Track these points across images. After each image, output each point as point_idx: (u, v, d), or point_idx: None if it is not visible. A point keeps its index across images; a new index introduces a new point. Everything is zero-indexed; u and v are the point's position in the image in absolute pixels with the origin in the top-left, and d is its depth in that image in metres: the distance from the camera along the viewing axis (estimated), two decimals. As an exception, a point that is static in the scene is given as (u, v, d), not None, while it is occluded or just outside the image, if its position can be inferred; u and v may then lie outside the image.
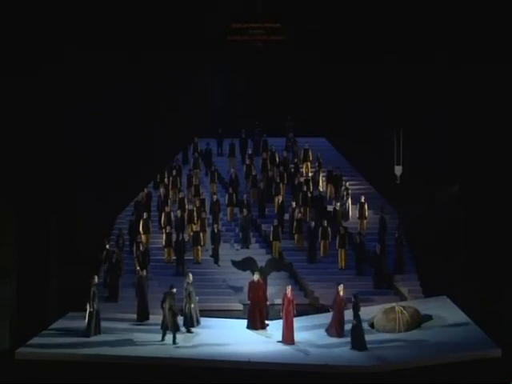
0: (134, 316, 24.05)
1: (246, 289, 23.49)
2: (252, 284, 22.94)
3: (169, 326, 21.54)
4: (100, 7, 22.30)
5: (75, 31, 22.25)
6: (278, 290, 24.66)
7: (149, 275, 25.40)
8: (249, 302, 23.00)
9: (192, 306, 22.77)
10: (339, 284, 22.53)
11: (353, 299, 21.46)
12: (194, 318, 22.92)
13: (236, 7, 23.11)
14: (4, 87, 21.30)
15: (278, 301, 23.98)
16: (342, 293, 22.18)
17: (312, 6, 23.05)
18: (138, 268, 26.58)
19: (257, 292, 22.82)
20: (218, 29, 23.26)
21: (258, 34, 23.62)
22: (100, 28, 22.42)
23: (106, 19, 22.45)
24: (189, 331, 22.58)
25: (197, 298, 23.12)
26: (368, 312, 23.19)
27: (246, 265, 24.65)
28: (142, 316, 23.77)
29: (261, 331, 22.66)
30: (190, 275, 23.31)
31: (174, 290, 21.99)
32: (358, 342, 20.82)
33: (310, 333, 22.63)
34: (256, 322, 22.70)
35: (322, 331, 22.76)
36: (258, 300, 22.80)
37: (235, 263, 25.14)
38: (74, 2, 22.16)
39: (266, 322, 23.03)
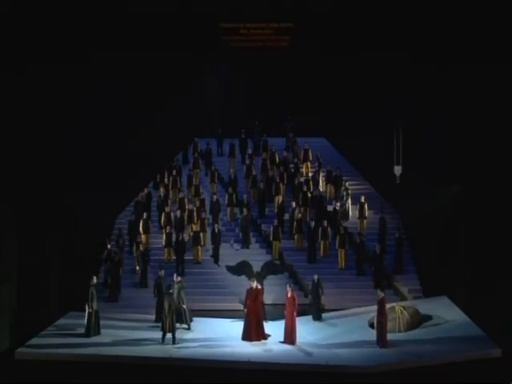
0: (134, 316, 24.09)
1: (243, 296, 22.89)
2: (250, 291, 22.35)
3: (168, 327, 21.51)
4: (99, 9, 22.30)
5: (75, 31, 22.26)
6: (278, 291, 24.62)
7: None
8: (245, 310, 22.36)
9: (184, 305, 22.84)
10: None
11: (316, 277, 23.84)
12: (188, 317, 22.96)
13: (237, 7, 23.09)
14: (4, 86, 21.31)
15: (279, 301, 24.00)
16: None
17: (312, 6, 23.04)
18: (138, 268, 26.70)
19: (255, 299, 22.18)
20: (218, 29, 23.24)
21: (257, 34, 23.60)
22: (100, 28, 22.42)
23: (107, 20, 22.45)
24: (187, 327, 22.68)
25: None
26: (368, 312, 23.21)
27: (241, 269, 24.50)
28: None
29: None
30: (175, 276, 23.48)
31: (171, 290, 21.96)
32: (316, 315, 23.70)
33: (311, 333, 22.63)
34: (251, 333, 21.87)
35: (322, 331, 22.81)
36: (255, 308, 22.12)
37: (230, 268, 25.02)
38: (72, 3, 22.18)
39: (267, 332, 22.33)
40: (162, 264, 26.12)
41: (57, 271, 24.20)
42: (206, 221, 28.67)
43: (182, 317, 22.82)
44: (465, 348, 20.66)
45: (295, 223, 28.46)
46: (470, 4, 22.14)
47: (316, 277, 24.17)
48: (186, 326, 22.87)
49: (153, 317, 23.59)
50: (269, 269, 24.63)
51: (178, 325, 22.14)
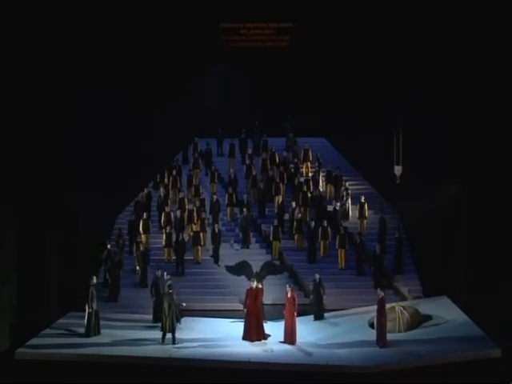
0: (134, 316, 24.07)
1: (243, 296, 22.82)
2: (249, 291, 22.30)
3: (168, 327, 21.49)
4: (99, 9, 22.30)
5: (75, 31, 22.25)
6: (278, 291, 24.60)
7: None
8: (245, 310, 22.28)
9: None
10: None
11: (317, 277, 23.88)
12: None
13: (237, 7, 23.08)
14: (5, 87, 21.30)
15: (279, 301, 23.99)
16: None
17: (312, 6, 23.03)
18: (138, 268, 26.71)
19: (255, 299, 22.12)
20: (218, 29, 23.23)
21: (257, 34, 23.60)
22: (100, 28, 22.41)
23: (107, 20, 22.45)
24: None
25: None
26: (368, 312, 23.20)
27: (241, 269, 24.47)
28: (159, 317, 22.83)
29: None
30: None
31: (171, 291, 21.93)
32: (317, 314, 23.85)
33: (311, 333, 22.63)
34: (252, 333, 21.86)
35: (322, 331, 22.82)
36: (255, 308, 22.05)
37: (229, 268, 24.98)
38: (72, 3, 22.18)
39: (267, 332, 22.29)
40: (159, 264, 26.11)
41: (57, 271, 24.18)
42: (206, 221, 28.68)
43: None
44: (465, 348, 20.66)
45: (295, 223, 28.46)
46: (469, 4, 22.13)
47: (318, 276, 24.19)
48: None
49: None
50: (268, 269, 24.60)
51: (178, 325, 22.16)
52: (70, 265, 24.63)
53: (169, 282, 22.60)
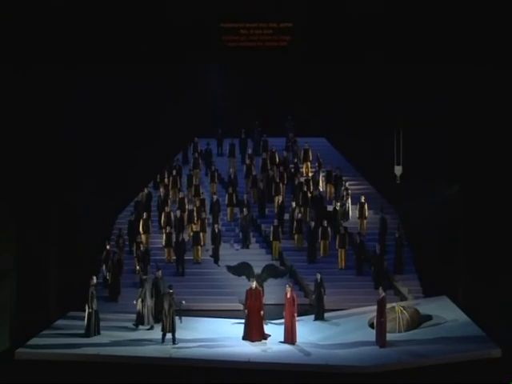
0: (134, 316, 23.97)
1: (243, 296, 22.76)
2: (249, 292, 22.27)
3: (168, 327, 21.49)
4: (98, 8, 22.29)
5: (75, 30, 22.24)
6: (279, 291, 24.58)
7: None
8: (245, 311, 22.27)
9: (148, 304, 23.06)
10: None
11: (319, 276, 23.93)
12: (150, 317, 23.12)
13: (237, 7, 23.08)
14: (6, 83, 21.29)
15: (280, 302, 24.00)
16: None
17: (312, 6, 23.03)
18: (138, 268, 26.70)
19: (255, 300, 22.09)
20: (218, 29, 23.22)
21: (257, 34, 23.59)
22: (100, 28, 22.40)
23: (106, 19, 22.44)
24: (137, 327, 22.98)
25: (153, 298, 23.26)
26: (368, 312, 23.20)
27: (241, 270, 24.45)
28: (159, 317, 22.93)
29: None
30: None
31: (171, 290, 21.89)
32: (319, 314, 23.88)
33: (311, 333, 22.63)
34: (252, 334, 21.86)
35: (322, 331, 22.81)
36: (255, 309, 22.02)
37: (230, 268, 24.94)
38: (72, 3, 22.18)
39: (267, 332, 22.28)
40: (158, 264, 26.06)
41: (57, 271, 24.18)
42: (206, 221, 28.68)
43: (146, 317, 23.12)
44: (465, 348, 20.67)
45: (295, 223, 28.47)
46: (469, 4, 22.12)
47: (319, 276, 24.18)
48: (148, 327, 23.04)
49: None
50: (269, 272, 24.54)
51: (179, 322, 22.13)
52: (69, 265, 24.62)
53: (144, 277, 23.29)
